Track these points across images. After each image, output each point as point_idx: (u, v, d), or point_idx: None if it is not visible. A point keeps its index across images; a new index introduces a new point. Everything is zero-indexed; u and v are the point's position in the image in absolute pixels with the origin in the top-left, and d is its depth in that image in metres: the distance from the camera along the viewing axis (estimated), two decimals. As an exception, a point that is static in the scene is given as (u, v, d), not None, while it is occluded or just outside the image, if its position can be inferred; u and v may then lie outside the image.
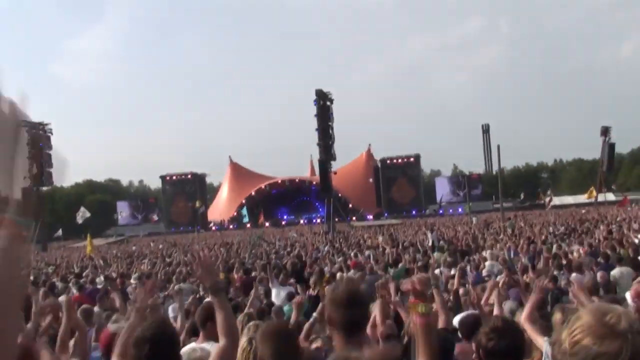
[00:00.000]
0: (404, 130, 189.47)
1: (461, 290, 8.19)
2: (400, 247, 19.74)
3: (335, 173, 50.28)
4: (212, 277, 3.14)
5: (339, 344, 2.68)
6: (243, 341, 3.53)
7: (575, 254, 12.76)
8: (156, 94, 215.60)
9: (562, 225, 25.85)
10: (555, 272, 9.73)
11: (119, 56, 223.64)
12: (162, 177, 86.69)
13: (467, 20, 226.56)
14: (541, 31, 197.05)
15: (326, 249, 22.60)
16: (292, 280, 11.35)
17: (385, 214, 74.72)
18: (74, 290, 11.49)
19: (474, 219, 40.45)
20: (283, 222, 74.93)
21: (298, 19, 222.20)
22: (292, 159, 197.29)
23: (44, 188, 56.27)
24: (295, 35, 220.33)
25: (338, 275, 11.70)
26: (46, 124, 53.10)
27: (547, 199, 47.73)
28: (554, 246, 15.27)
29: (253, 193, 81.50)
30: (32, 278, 15.27)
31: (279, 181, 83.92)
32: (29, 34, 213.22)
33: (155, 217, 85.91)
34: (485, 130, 78.97)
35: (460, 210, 71.96)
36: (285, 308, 7.67)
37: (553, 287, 8.63)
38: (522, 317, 4.36)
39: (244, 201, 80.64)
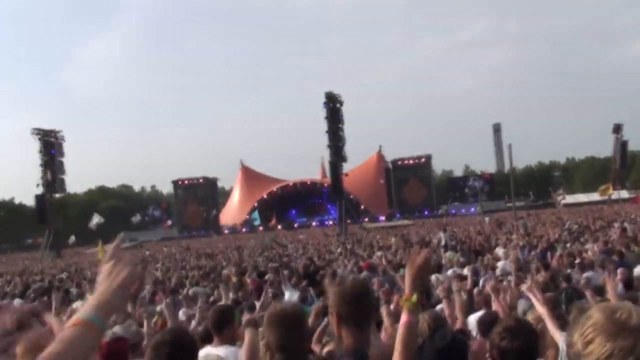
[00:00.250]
0: (414, 131, 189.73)
1: (475, 290, 8.15)
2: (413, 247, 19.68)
3: (346, 175, 50.29)
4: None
5: (349, 339, 2.67)
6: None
7: (589, 252, 12.66)
8: (167, 99, 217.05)
9: (575, 224, 25.67)
10: (569, 271, 9.66)
11: (129, 62, 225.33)
12: (174, 182, 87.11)
13: (476, 21, 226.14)
14: (551, 30, 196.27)
15: (338, 250, 22.58)
16: (304, 283, 11.34)
17: (397, 215, 74.54)
18: (88, 296, 11.57)
19: (486, 219, 40.26)
20: (295, 225, 74.97)
21: (308, 22, 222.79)
22: (303, 162, 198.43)
23: (57, 195, 56.61)
24: (305, 38, 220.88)
25: (351, 277, 11.68)
26: (58, 131, 53.45)
27: (559, 198, 47.36)
28: (567, 244, 15.18)
29: (265, 196, 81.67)
30: (47, 284, 15.40)
31: (291, 184, 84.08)
32: (39, 42, 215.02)
33: (168, 222, 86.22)
34: (497, 129, 79.03)
35: (472, 210, 71.70)
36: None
37: (567, 286, 8.58)
38: (542, 313, 4.31)
39: (255, 204, 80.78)
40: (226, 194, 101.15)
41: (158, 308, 7.65)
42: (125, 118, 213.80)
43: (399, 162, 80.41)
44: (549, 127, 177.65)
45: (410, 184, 79.00)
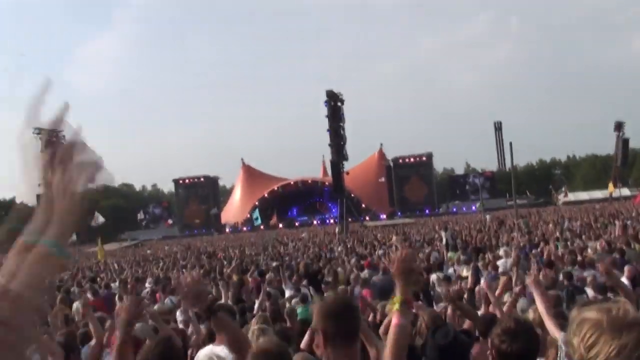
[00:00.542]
0: (415, 129, 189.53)
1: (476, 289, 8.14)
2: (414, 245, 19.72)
3: (347, 173, 50.28)
4: (201, 301, 2.89)
5: (331, 357, 2.55)
6: None
7: (590, 251, 12.65)
8: (167, 98, 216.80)
9: (577, 222, 25.66)
10: (570, 268, 9.64)
11: (129, 60, 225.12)
12: (175, 181, 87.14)
13: (477, 18, 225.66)
14: (552, 27, 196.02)
15: (339, 249, 22.60)
16: (304, 282, 11.34)
17: (398, 213, 74.54)
18: (89, 295, 11.56)
19: (488, 217, 40.25)
20: (296, 224, 75.01)
21: (308, 20, 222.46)
22: (304, 160, 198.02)
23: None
24: (305, 36, 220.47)
25: (352, 275, 11.69)
26: (59, 131, 53.41)
27: (561, 195, 47.43)
28: (568, 242, 15.18)
29: (266, 195, 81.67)
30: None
31: (292, 182, 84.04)
32: (41, 40, 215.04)
33: (169, 221, 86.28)
34: (498, 127, 78.65)
35: (473, 208, 71.73)
36: (299, 310, 7.66)
37: (568, 284, 8.57)
38: (541, 311, 4.29)
39: (256, 203, 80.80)
40: (227, 193, 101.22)
41: (156, 307, 7.64)
42: (125, 117, 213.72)
43: (400, 161, 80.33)
44: (550, 125, 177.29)
45: (411, 182, 78.99)
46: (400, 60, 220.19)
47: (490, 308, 5.68)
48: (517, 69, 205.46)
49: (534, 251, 13.88)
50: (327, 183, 70.65)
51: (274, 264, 16.28)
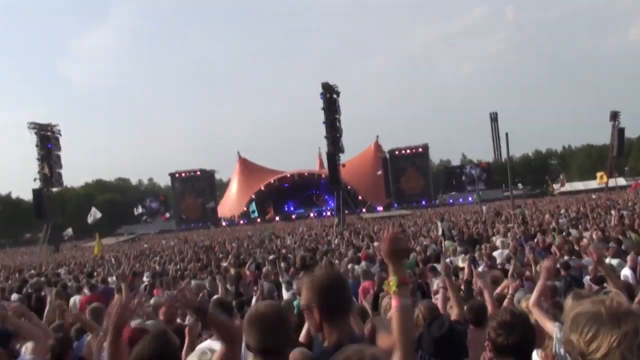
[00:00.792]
0: (411, 121, 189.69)
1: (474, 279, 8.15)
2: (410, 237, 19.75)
3: (343, 165, 50.28)
4: (193, 304, 2.83)
5: (333, 335, 2.55)
6: None
7: (585, 240, 12.65)
8: (163, 92, 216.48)
9: (573, 212, 25.70)
10: (567, 258, 9.65)
11: (125, 55, 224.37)
12: (172, 175, 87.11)
13: (472, 9, 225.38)
14: (547, 17, 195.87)
15: (336, 241, 22.60)
16: (301, 275, 11.33)
17: (395, 205, 74.68)
18: (86, 290, 11.54)
19: (484, 208, 40.32)
20: (293, 216, 75.03)
21: (302, 12, 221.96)
22: (300, 153, 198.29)
23: (54, 189, 56.52)
24: (300, 29, 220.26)
25: (349, 266, 11.69)
26: (54, 125, 53.22)
27: (558, 184, 47.41)
28: (564, 232, 15.19)
29: (262, 188, 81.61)
30: (44, 279, 15.39)
31: (288, 175, 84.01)
32: (36, 34, 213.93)
33: (166, 215, 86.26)
34: (494, 118, 78.82)
35: (469, 199, 71.86)
36: (296, 302, 7.65)
37: (565, 275, 8.58)
38: (530, 303, 4.31)
39: (253, 196, 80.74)
40: (224, 186, 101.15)
41: (152, 301, 7.63)
42: (121, 111, 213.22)
43: (397, 152, 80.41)
44: (545, 115, 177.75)
45: (407, 174, 79.08)
46: (396, 52, 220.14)
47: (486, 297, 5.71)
48: (512, 59, 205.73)
49: (529, 242, 13.87)
50: (323, 175, 70.65)
51: (271, 257, 16.28)
